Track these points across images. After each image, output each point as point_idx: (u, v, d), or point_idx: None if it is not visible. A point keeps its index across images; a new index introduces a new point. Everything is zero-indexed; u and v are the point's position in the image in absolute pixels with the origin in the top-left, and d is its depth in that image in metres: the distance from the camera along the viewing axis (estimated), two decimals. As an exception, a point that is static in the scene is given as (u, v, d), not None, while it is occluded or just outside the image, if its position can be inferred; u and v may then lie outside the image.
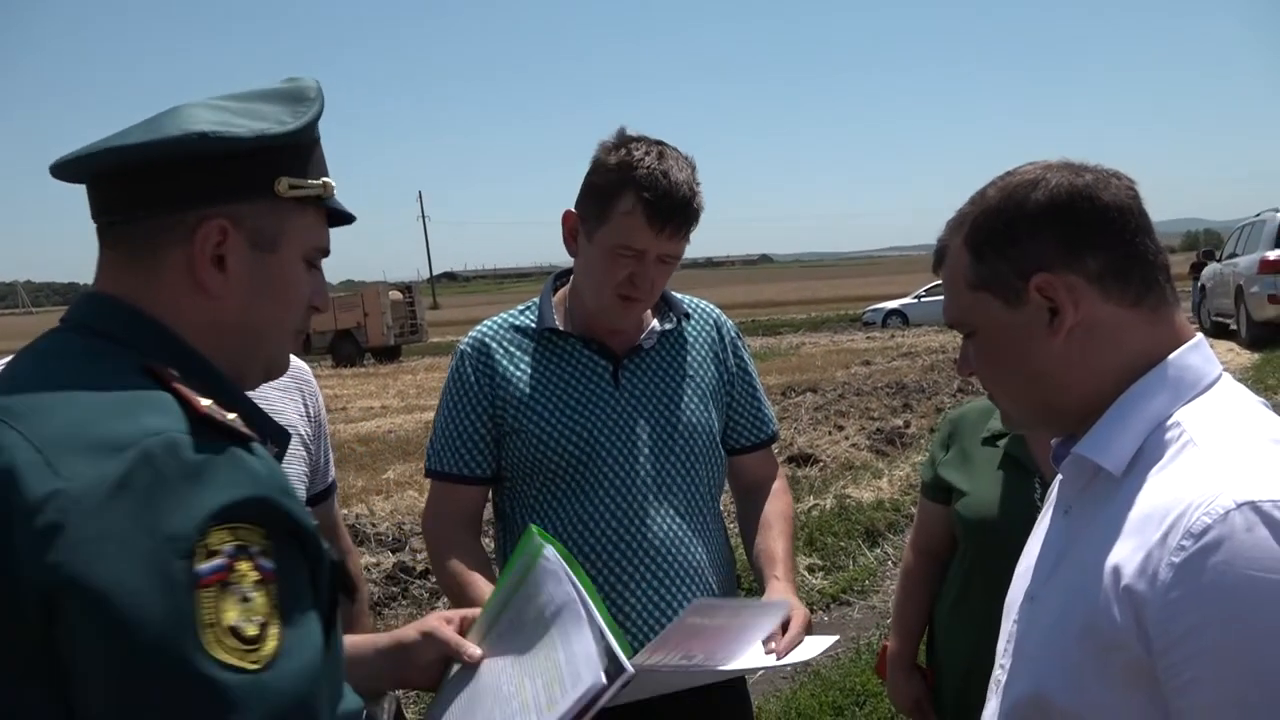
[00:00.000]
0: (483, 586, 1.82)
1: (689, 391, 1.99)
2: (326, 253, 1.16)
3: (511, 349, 1.97)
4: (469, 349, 1.98)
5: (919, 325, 27.17)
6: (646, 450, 1.91)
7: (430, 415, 14.46)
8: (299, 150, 1.08)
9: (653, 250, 1.82)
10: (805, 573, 5.93)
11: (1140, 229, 1.08)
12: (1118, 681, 0.96)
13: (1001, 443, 2.08)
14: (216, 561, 0.83)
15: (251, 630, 0.84)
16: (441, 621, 1.41)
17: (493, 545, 2.13)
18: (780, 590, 1.90)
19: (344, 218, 1.18)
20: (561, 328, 1.96)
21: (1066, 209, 1.07)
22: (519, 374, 1.94)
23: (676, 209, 1.80)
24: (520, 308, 2.06)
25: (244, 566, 0.85)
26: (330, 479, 2.00)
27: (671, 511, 1.91)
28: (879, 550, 6.45)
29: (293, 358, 1.99)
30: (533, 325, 1.99)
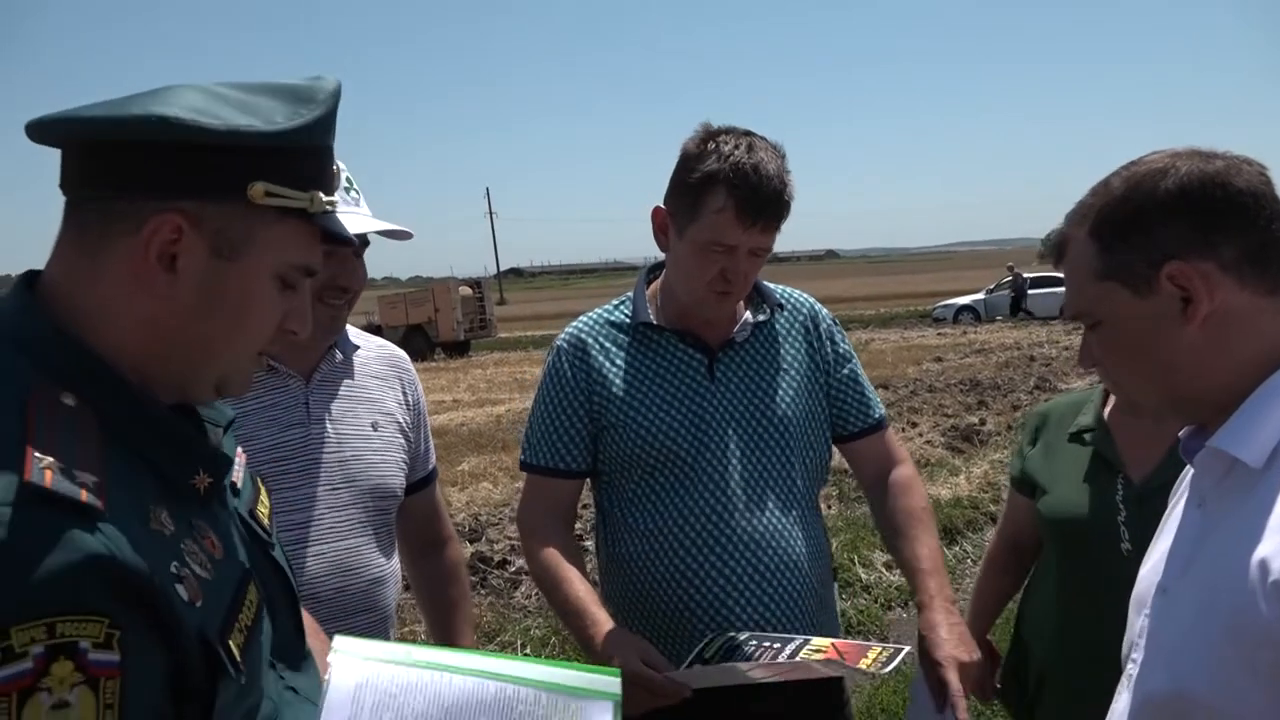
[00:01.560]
0: (577, 585, 1.86)
1: (784, 383, 1.99)
2: (312, 272, 1.05)
3: (607, 344, 1.99)
4: (566, 345, 2.01)
5: (990, 320, 26.66)
6: (742, 443, 1.92)
7: (501, 410, 14.67)
8: (286, 155, 0.97)
9: (744, 245, 1.81)
10: (883, 569, 5.89)
11: (1275, 214, 1.05)
12: (1265, 678, 0.94)
13: (1088, 438, 2.04)
14: (17, 667, 0.74)
15: None
16: None
17: (592, 542, 2.15)
18: (932, 623, 1.79)
19: (333, 234, 1.05)
20: (655, 322, 1.98)
21: (1199, 196, 1.05)
22: (615, 369, 1.96)
23: (768, 203, 1.79)
24: (614, 303, 2.08)
25: (61, 669, 0.76)
26: (431, 466, 2.04)
27: (768, 504, 1.91)
28: (958, 548, 6.37)
29: (393, 347, 2.04)
30: (628, 320, 2.01)
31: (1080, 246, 1.13)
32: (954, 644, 1.72)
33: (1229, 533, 1.02)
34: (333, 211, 1.04)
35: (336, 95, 1.02)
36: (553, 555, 1.91)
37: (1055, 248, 1.18)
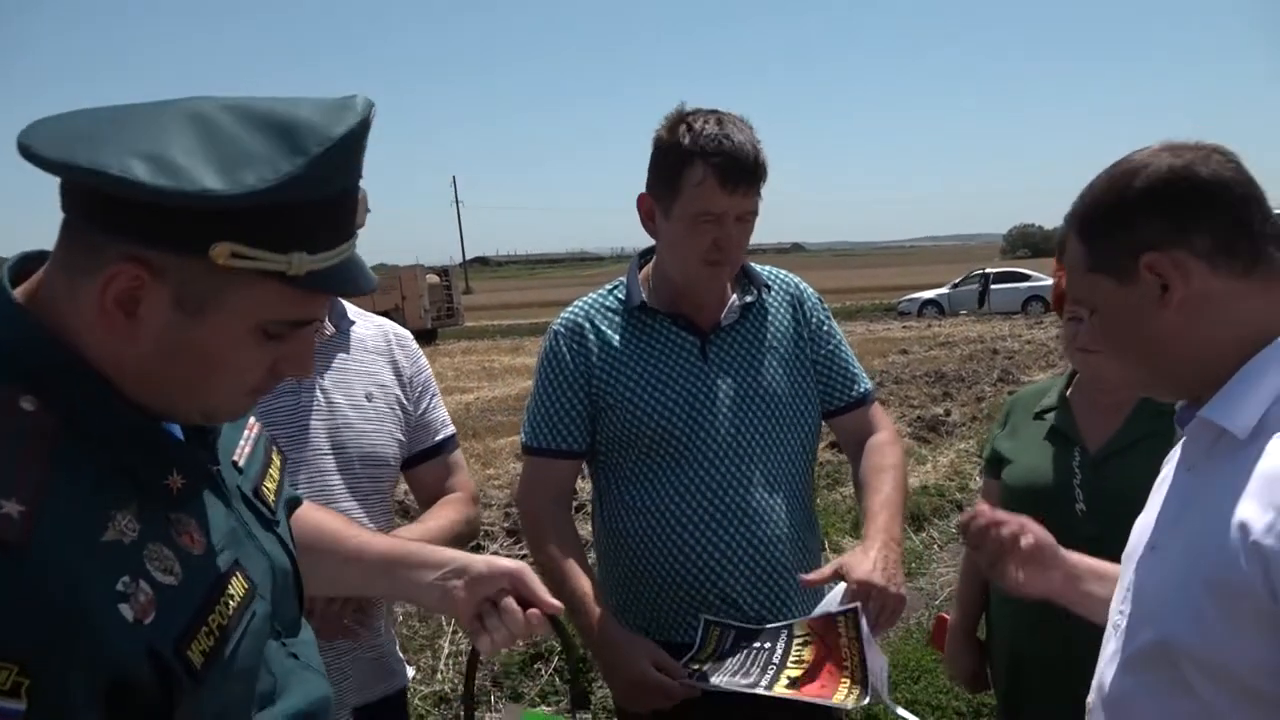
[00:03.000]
0: (584, 580, 1.93)
1: (774, 362, 2.05)
2: (304, 323, 0.98)
3: (603, 327, 2.04)
4: (563, 329, 2.06)
5: (954, 315, 27.00)
6: (735, 421, 1.98)
7: (470, 398, 14.62)
8: (261, 213, 0.87)
9: (730, 211, 1.88)
10: (853, 554, 5.99)
11: (1243, 201, 1.13)
12: (1242, 625, 1.02)
13: (1049, 416, 2.17)
14: None
15: None
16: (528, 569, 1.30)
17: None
18: (863, 549, 1.85)
19: (323, 289, 0.95)
20: (650, 304, 2.04)
21: (1169, 190, 1.14)
22: (612, 351, 2.02)
23: (745, 168, 1.86)
24: (607, 288, 2.13)
25: None
26: (439, 436, 2.06)
27: (761, 479, 1.98)
28: (925, 534, 6.50)
29: (393, 324, 2.08)
30: (622, 303, 2.06)
31: (1073, 243, 1.23)
32: (871, 568, 1.77)
33: (1214, 495, 1.09)
34: (330, 268, 0.93)
35: (345, 140, 0.89)
36: (560, 548, 1.97)
37: (1058, 245, 1.28)
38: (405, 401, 2.00)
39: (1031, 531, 1.47)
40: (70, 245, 0.92)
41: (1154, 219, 1.14)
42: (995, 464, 2.27)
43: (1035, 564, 1.45)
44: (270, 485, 1.19)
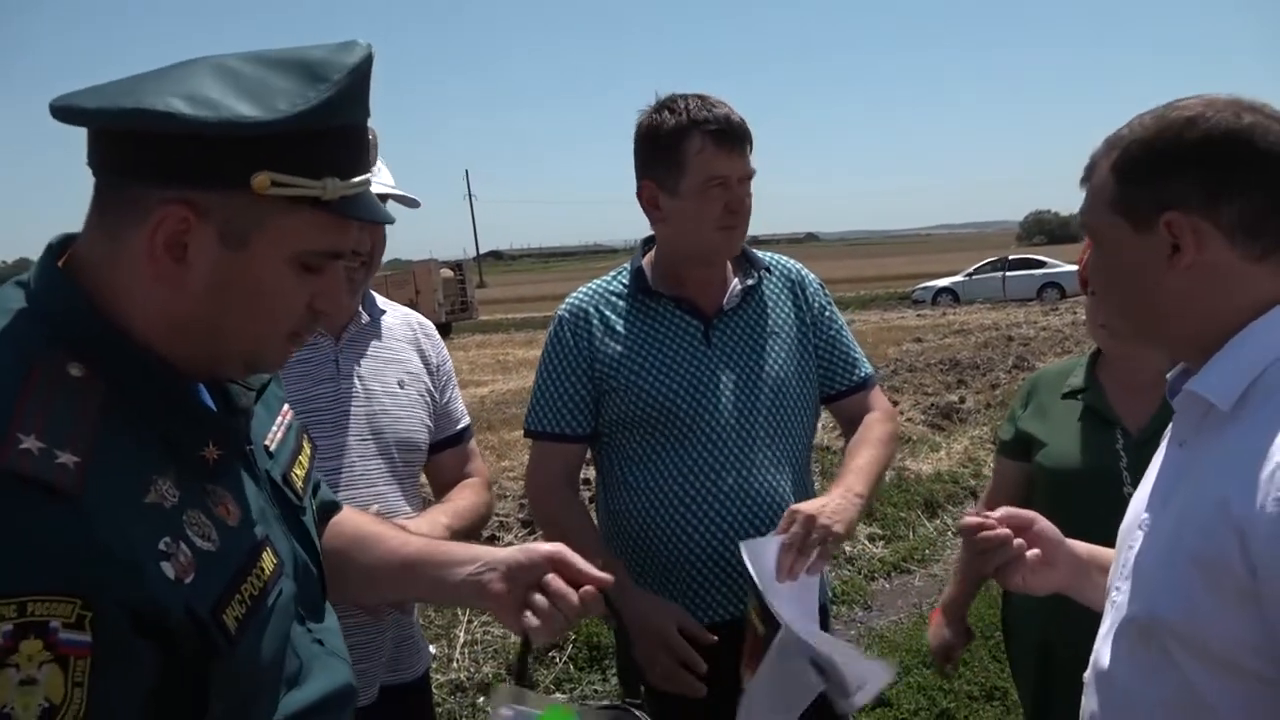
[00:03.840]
0: (599, 552, 1.94)
1: (776, 345, 2.09)
2: (338, 255, 1.03)
3: (607, 313, 2.08)
4: (568, 315, 2.10)
5: (970, 303, 26.87)
6: (739, 404, 2.02)
7: (485, 391, 14.67)
8: (294, 141, 0.94)
9: (734, 173, 1.97)
10: (866, 541, 6.02)
11: None
12: (1226, 601, 1.03)
13: (1081, 396, 2.14)
14: None
15: (25, 718, 0.78)
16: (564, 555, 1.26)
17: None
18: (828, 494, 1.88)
19: (359, 218, 1.02)
20: (654, 288, 2.07)
21: (1217, 152, 1.08)
22: (616, 335, 2.06)
23: (737, 129, 1.96)
24: (611, 274, 2.18)
25: (30, 647, 0.78)
26: (459, 426, 2.11)
27: (764, 461, 2.01)
28: (938, 521, 6.51)
29: (418, 315, 2.12)
30: (625, 289, 2.10)
31: (1103, 175, 1.18)
32: (818, 506, 1.78)
33: (1200, 471, 1.10)
34: (357, 195, 1.00)
35: (359, 69, 0.97)
36: (573, 523, 2.02)
37: (1087, 169, 1.22)
38: (432, 389, 2.06)
39: (1038, 530, 1.41)
40: (108, 206, 0.96)
41: (1190, 179, 1.09)
42: (1019, 445, 2.24)
43: (1041, 562, 1.39)
44: (299, 472, 1.22)
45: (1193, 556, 1.06)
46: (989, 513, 1.43)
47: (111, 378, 0.93)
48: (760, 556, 1.72)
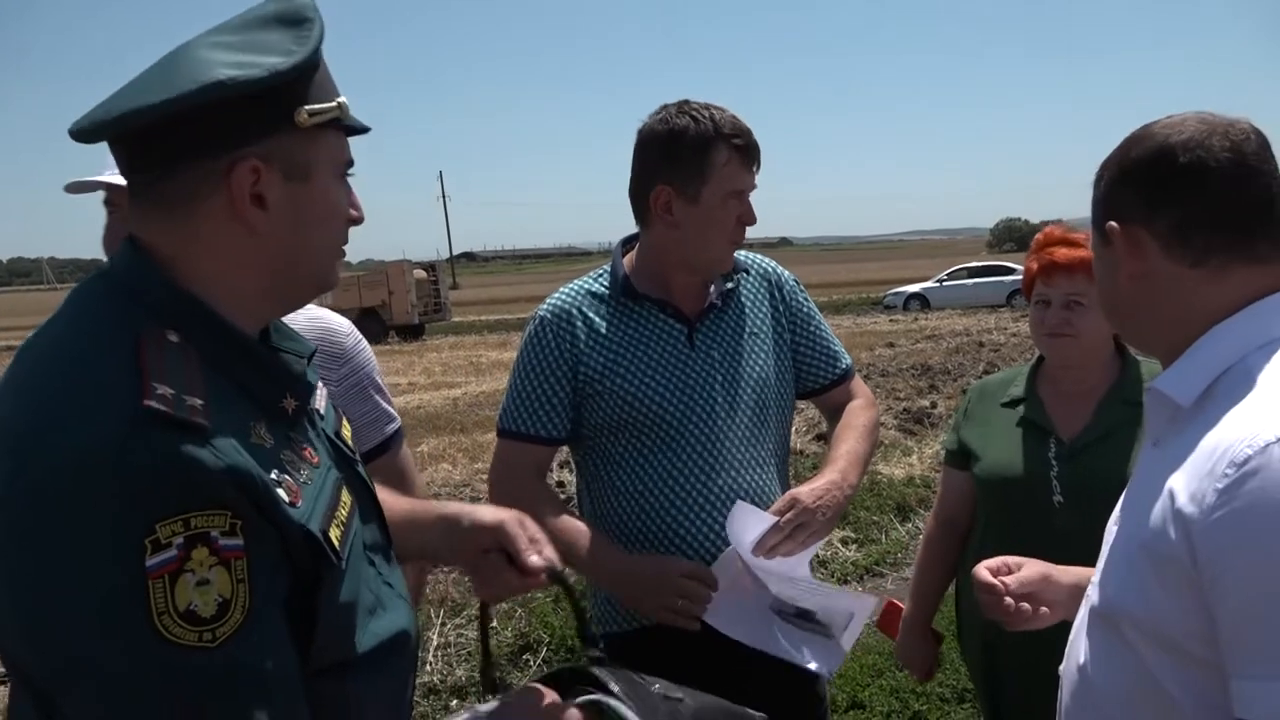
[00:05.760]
0: (581, 531, 1.98)
1: (757, 345, 2.10)
2: (351, 164, 1.17)
3: (589, 314, 2.06)
4: (549, 315, 2.07)
5: (941, 309, 27.10)
6: (724, 406, 2.02)
7: (458, 393, 14.60)
8: (309, 76, 1.07)
9: (749, 188, 2.01)
10: (839, 545, 6.05)
11: (1231, 190, 1.12)
12: (1174, 591, 1.06)
13: (1020, 407, 2.17)
14: (165, 555, 0.90)
15: (207, 611, 0.91)
16: (518, 523, 1.32)
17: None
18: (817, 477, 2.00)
19: (359, 129, 1.18)
20: (638, 290, 2.06)
21: (1149, 167, 1.16)
22: (599, 337, 2.04)
23: (756, 146, 2.01)
24: (593, 275, 2.15)
25: (199, 554, 0.91)
26: (386, 434, 2.01)
27: (748, 461, 2.03)
28: (910, 525, 6.55)
29: (328, 318, 1.96)
30: (607, 291, 2.09)
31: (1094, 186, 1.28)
32: (816, 497, 1.91)
33: (1162, 468, 1.13)
34: (345, 111, 1.13)
35: (315, 7, 1.11)
36: (547, 512, 1.92)
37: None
38: (336, 400, 1.96)
39: (1028, 588, 1.46)
40: (160, 196, 1.05)
41: (1130, 190, 1.18)
42: (961, 456, 2.26)
43: (1040, 602, 1.47)
44: (346, 433, 1.30)
45: (1146, 548, 1.10)
46: (1003, 578, 1.48)
47: (201, 341, 1.03)
48: (748, 526, 1.87)
